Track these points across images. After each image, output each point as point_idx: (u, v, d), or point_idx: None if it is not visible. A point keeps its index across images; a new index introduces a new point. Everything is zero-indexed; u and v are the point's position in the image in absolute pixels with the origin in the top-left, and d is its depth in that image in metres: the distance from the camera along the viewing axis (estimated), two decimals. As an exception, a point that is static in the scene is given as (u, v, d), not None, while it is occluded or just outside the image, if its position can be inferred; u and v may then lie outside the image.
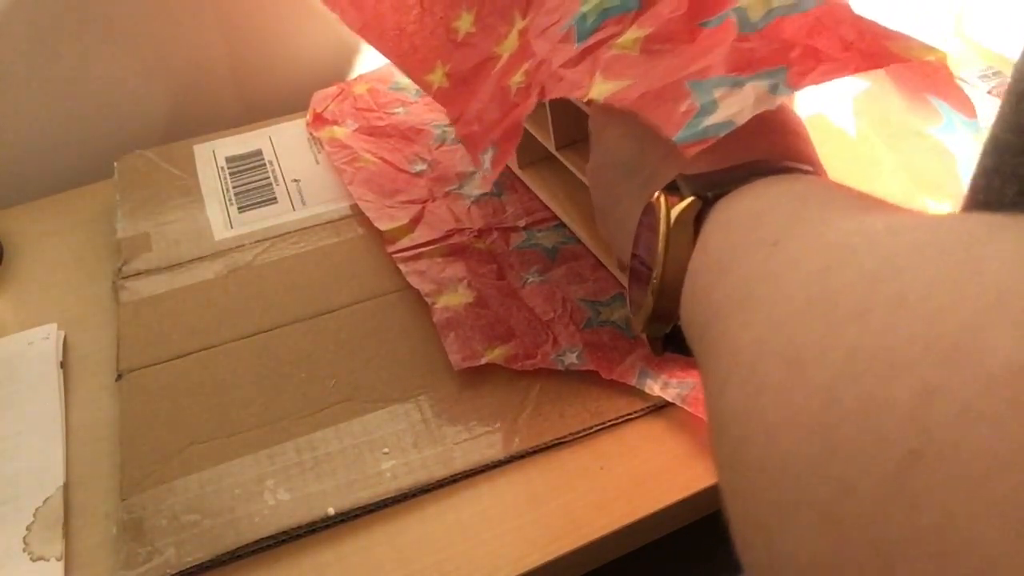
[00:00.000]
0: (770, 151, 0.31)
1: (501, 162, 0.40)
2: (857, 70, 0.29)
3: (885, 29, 0.31)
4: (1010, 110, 0.22)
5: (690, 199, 0.28)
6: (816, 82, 0.30)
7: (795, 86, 0.29)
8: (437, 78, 0.46)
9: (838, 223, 0.22)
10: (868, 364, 0.16)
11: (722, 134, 0.29)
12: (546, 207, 0.53)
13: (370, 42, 0.52)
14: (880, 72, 0.35)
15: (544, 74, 0.38)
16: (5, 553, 0.38)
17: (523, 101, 0.39)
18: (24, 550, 0.38)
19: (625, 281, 0.47)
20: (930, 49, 0.30)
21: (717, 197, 0.28)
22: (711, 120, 0.29)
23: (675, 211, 0.28)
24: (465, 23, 0.45)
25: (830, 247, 0.20)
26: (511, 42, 0.42)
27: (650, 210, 0.30)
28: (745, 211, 0.26)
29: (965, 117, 0.33)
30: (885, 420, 0.15)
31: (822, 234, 0.21)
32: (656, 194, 0.29)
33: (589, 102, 0.35)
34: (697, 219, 0.28)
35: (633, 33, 0.35)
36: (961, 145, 0.34)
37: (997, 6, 0.62)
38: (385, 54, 0.51)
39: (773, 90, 0.29)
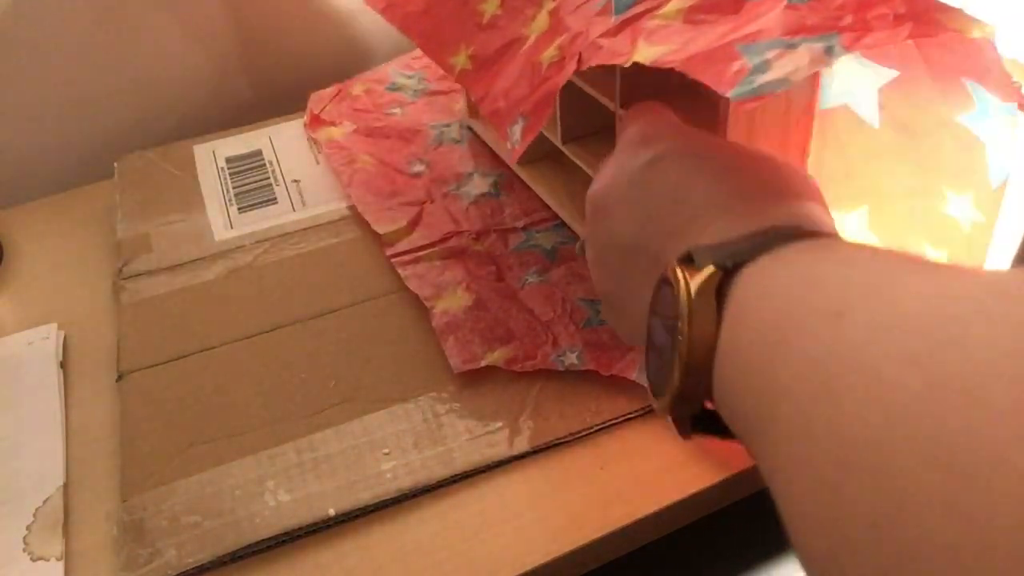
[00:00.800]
0: (788, 217, 0.29)
1: (532, 132, 0.39)
2: (909, 37, 0.29)
3: (935, 1, 0.30)
4: None
5: (710, 269, 0.26)
6: (869, 47, 0.29)
7: (849, 48, 0.29)
8: (461, 61, 0.46)
9: (910, 287, 0.20)
10: None
11: (779, 90, 0.27)
12: (545, 207, 0.54)
13: (394, 23, 0.51)
14: (913, 58, 0.35)
15: (580, 45, 0.37)
16: (5, 553, 0.38)
17: (555, 74, 0.38)
18: (24, 550, 0.38)
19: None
20: (978, 23, 0.30)
21: (737, 267, 0.26)
22: (765, 79, 0.28)
23: (695, 283, 0.26)
24: (491, 5, 0.45)
25: (922, 318, 0.19)
26: (540, 23, 0.42)
27: (665, 286, 0.28)
28: (787, 279, 0.24)
29: (1003, 100, 0.32)
30: None
31: (898, 302, 0.20)
32: (670, 266, 0.27)
33: (624, 105, 0.34)
34: (718, 292, 0.26)
35: (676, 4, 0.34)
36: (994, 132, 0.33)
37: (997, 6, 0.62)
38: (409, 35, 0.50)
39: (828, 52, 0.29)
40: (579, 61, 0.37)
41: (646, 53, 0.33)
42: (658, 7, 0.35)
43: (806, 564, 0.20)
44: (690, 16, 0.33)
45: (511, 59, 0.43)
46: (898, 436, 0.17)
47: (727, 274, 0.26)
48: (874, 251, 0.24)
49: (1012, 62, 0.61)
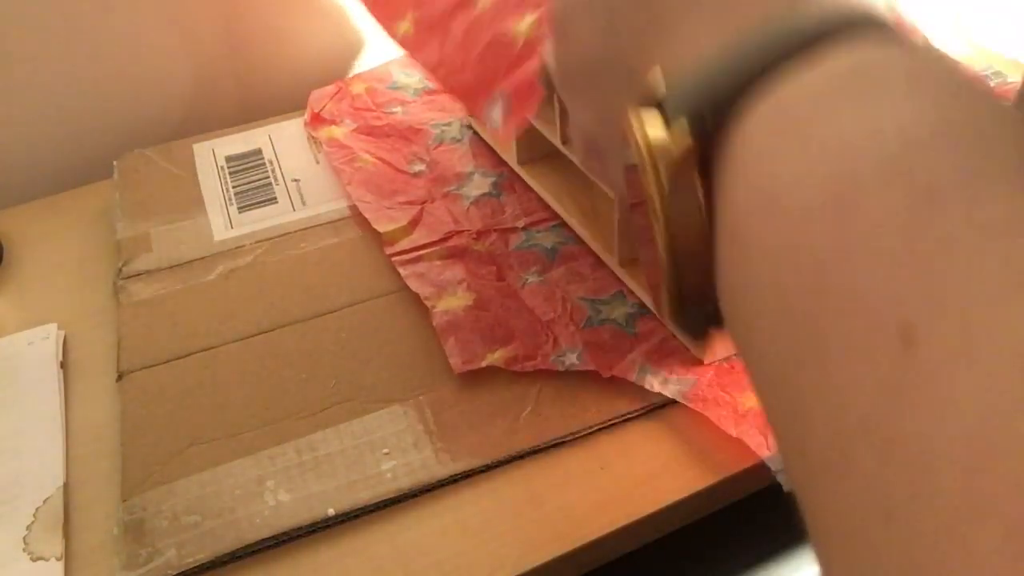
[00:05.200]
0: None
1: (518, 116, 0.36)
2: None
3: None
4: None
5: (686, 143, 0.18)
6: None
7: None
8: (404, 26, 0.45)
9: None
10: None
11: None
12: (545, 207, 0.53)
13: None
14: None
15: None
16: (5, 553, 0.38)
17: (538, 54, 0.37)
18: (24, 550, 0.38)
19: (626, 279, 0.47)
20: None
21: (722, 122, 0.18)
22: None
23: (663, 162, 0.19)
24: None
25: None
26: None
27: (630, 138, 0.20)
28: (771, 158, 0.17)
29: None
30: None
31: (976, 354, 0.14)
32: (629, 130, 0.19)
33: None
34: (709, 143, 0.18)
35: None
36: None
37: (997, 6, 0.62)
38: (362, 2, 0.50)
39: None
40: None
41: None
42: None
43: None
44: None
45: (459, 24, 0.41)
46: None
47: (719, 123, 0.18)
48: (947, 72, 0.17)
49: (1012, 62, 0.61)
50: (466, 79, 0.40)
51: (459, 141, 0.60)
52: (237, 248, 0.54)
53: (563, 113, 0.48)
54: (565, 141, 0.49)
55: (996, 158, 0.15)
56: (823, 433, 0.16)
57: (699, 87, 0.18)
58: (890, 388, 0.14)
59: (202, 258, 0.53)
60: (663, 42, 0.21)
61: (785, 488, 0.36)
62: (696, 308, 0.21)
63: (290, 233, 0.55)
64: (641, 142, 0.19)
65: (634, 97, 0.20)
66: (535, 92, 0.37)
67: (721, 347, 0.42)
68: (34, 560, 0.38)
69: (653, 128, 0.19)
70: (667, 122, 0.19)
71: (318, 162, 0.61)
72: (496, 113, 0.38)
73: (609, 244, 0.48)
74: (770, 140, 0.17)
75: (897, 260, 0.15)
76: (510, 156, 0.56)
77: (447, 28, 0.42)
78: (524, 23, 0.38)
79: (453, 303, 0.47)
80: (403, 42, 0.45)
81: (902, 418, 0.14)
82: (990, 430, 0.13)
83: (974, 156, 0.15)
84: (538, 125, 0.51)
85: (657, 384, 0.42)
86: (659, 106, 0.19)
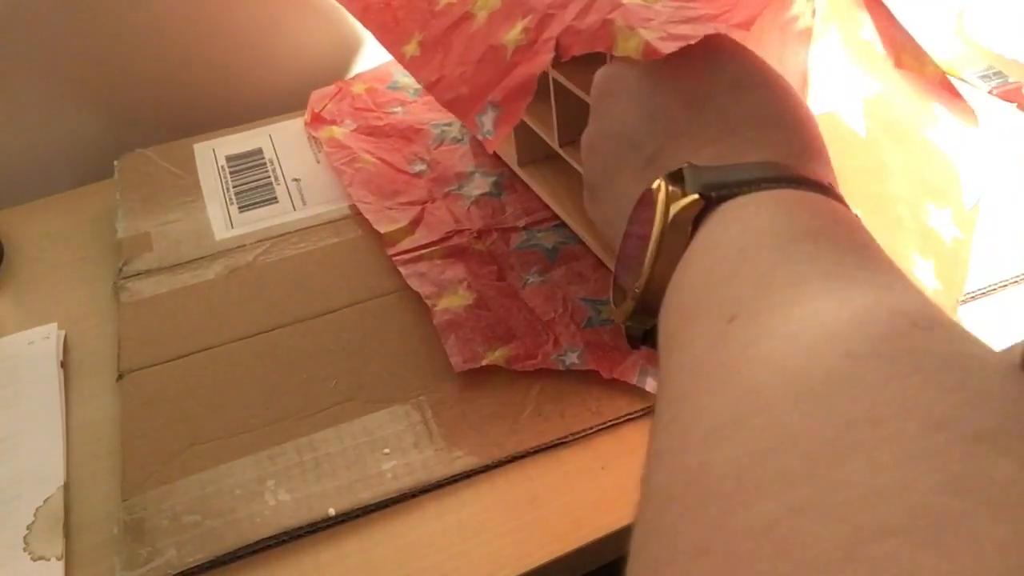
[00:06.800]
0: (786, 150, 0.29)
1: (507, 123, 0.38)
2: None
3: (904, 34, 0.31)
4: None
5: (693, 197, 0.26)
6: None
7: None
8: (411, 48, 0.45)
9: (803, 308, 0.21)
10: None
11: None
12: (546, 207, 0.53)
13: (354, 15, 0.51)
14: (890, 75, 0.35)
15: (556, 29, 0.36)
16: (5, 553, 0.38)
17: (525, 60, 0.38)
18: (24, 550, 0.38)
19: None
20: (930, 62, 0.30)
21: (721, 200, 0.26)
22: None
23: (675, 208, 0.27)
24: None
25: (771, 359, 0.20)
26: None
27: (647, 200, 0.28)
28: (730, 243, 0.25)
29: (966, 125, 0.33)
30: None
31: (774, 330, 0.21)
32: (657, 182, 0.28)
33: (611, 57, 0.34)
34: (699, 216, 0.26)
35: None
36: (964, 154, 0.34)
37: (997, 6, 0.62)
38: (368, 27, 0.50)
39: None
40: (561, 50, 0.36)
41: (629, 44, 0.32)
42: None
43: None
44: None
45: (459, 38, 0.42)
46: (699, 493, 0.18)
47: (708, 204, 0.26)
48: (827, 231, 0.24)
49: (1012, 62, 0.61)
50: (462, 92, 0.40)
51: (460, 141, 0.60)
52: (237, 248, 0.54)
53: (560, 116, 0.48)
54: (563, 144, 0.49)
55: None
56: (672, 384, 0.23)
57: (714, 178, 0.27)
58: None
59: (202, 258, 0.53)
60: (693, 147, 0.30)
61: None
62: (644, 319, 0.28)
63: (290, 233, 0.55)
64: (664, 191, 0.27)
65: (654, 166, 0.30)
66: (524, 97, 0.37)
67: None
68: (34, 560, 0.38)
69: (675, 187, 0.27)
70: (683, 193, 0.27)
71: (318, 162, 0.61)
72: (487, 122, 0.38)
73: (599, 230, 0.47)
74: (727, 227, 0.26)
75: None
76: (510, 158, 0.56)
77: (448, 45, 0.43)
78: (514, 32, 0.39)
79: (454, 302, 0.47)
80: (410, 64, 0.45)
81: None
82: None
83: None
84: (535, 128, 0.51)
85: (657, 384, 0.42)
86: (679, 181, 0.27)
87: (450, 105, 0.41)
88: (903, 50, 0.32)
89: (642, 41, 0.32)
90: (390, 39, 0.48)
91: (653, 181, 0.28)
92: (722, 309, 0.23)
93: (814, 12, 0.37)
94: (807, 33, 0.37)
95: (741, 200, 0.26)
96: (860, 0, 0.34)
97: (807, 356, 0.19)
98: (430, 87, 0.43)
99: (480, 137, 0.39)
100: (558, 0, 0.37)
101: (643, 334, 0.30)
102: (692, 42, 0.30)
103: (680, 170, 0.27)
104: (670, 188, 0.27)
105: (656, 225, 0.27)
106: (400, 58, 0.46)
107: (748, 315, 0.22)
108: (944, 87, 0.32)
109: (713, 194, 0.26)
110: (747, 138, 0.29)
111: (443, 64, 0.42)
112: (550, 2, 0.38)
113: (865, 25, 0.34)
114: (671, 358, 0.24)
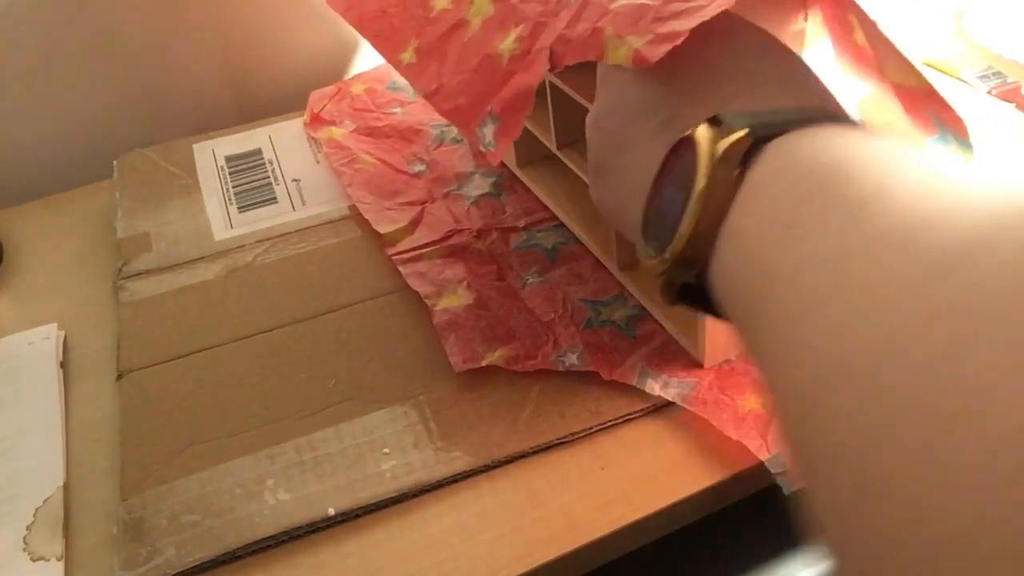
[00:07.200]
0: (819, 99, 0.28)
1: (508, 135, 0.38)
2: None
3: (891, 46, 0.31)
4: None
5: (742, 132, 0.24)
6: None
7: None
8: (407, 56, 0.45)
9: (939, 195, 0.19)
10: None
11: None
12: (545, 207, 0.53)
13: (352, 23, 0.51)
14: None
15: (548, 38, 0.37)
16: (5, 553, 0.38)
17: (521, 69, 0.38)
18: (24, 550, 0.38)
19: (625, 282, 0.47)
20: (916, 75, 0.31)
21: (766, 139, 0.24)
22: None
23: (722, 144, 0.24)
24: (442, 1, 0.44)
25: (942, 231, 0.17)
26: (481, 5, 0.41)
27: (681, 150, 0.27)
28: (812, 158, 0.23)
29: (957, 135, 0.33)
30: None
31: (916, 203, 0.19)
32: (692, 129, 0.26)
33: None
34: (741, 162, 0.24)
35: None
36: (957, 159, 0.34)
37: (997, 6, 0.62)
38: (365, 35, 0.50)
39: None
40: (555, 59, 0.36)
41: (619, 53, 0.33)
42: None
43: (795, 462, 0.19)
44: None
45: (454, 46, 0.42)
46: (883, 365, 0.16)
47: (754, 145, 0.24)
48: (903, 144, 0.22)
49: (1012, 62, 0.61)
50: (460, 102, 0.40)
51: (459, 141, 0.60)
52: (237, 248, 0.54)
53: (556, 118, 0.48)
54: (560, 146, 0.49)
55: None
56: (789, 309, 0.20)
57: (757, 117, 0.25)
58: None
59: (202, 258, 0.53)
60: (717, 104, 0.28)
61: (784, 490, 0.36)
62: (683, 271, 0.26)
63: (290, 233, 0.55)
64: (708, 132, 0.25)
65: (670, 130, 0.29)
66: (523, 109, 0.37)
67: (721, 351, 0.42)
68: (34, 560, 0.38)
69: (717, 130, 0.25)
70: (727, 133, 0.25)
71: (318, 162, 0.61)
72: (488, 134, 0.38)
73: (608, 248, 0.48)
74: (793, 156, 0.24)
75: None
76: (510, 159, 0.56)
77: (444, 52, 0.43)
78: (508, 41, 0.39)
79: (453, 302, 0.47)
80: (407, 72, 0.45)
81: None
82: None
83: None
84: (533, 130, 0.51)
85: (658, 387, 0.42)
86: (717, 125, 0.26)
87: (449, 115, 0.41)
88: (886, 61, 0.32)
89: (631, 49, 0.32)
90: (387, 47, 0.48)
91: (670, 142, 0.27)
92: (843, 202, 0.20)
93: (807, 16, 0.37)
94: (800, 34, 0.37)
95: (797, 135, 0.24)
96: (850, 7, 0.34)
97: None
98: (428, 96, 0.43)
99: (482, 149, 0.39)
100: (549, 8, 0.37)
101: (681, 288, 0.27)
102: (678, 41, 0.30)
103: (716, 117, 0.26)
104: (714, 129, 0.25)
105: (702, 164, 0.25)
106: (397, 65, 0.46)
107: (881, 199, 0.19)
108: (932, 99, 0.32)
109: (761, 131, 0.24)
110: (773, 94, 0.28)
111: (440, 72, 0.42)
112: (542, 10, 0.38)
113: (857, 29, 0.34)
114: (787, 255, 0.21)
